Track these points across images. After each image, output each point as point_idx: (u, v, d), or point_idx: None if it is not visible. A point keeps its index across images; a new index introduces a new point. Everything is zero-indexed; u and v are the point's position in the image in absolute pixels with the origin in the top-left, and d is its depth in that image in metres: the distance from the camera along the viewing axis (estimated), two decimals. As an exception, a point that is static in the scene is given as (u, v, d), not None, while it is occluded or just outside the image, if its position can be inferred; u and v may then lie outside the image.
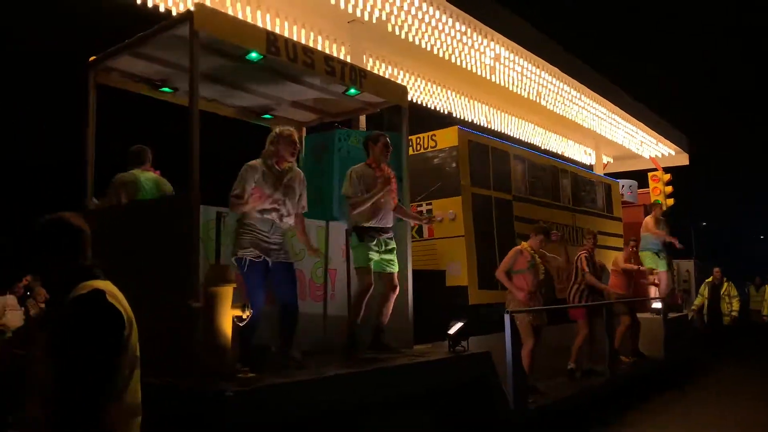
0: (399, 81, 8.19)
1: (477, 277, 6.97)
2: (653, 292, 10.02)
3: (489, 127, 10.78)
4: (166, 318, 3.77)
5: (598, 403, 7.04)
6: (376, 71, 7.87)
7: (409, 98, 8.75)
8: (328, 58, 5.16)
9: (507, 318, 5.69)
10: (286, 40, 4.79)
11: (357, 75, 5.40)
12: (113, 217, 4.68)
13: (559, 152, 13.14)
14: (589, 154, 13.50)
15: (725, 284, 12.73)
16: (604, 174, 12.83)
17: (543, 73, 8.53)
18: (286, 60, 4.73)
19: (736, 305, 12.60)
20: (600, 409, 6.98)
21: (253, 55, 4.60)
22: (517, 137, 11.54)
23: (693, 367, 9.74)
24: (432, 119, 9.15)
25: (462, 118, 10.03)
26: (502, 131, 11.08)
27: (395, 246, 5.20)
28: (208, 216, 4.43)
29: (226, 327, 3.69)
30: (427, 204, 7.34)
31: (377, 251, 4.99)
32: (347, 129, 6.03)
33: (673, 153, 14.27)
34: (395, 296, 5.16)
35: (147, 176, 5.21)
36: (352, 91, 5.54)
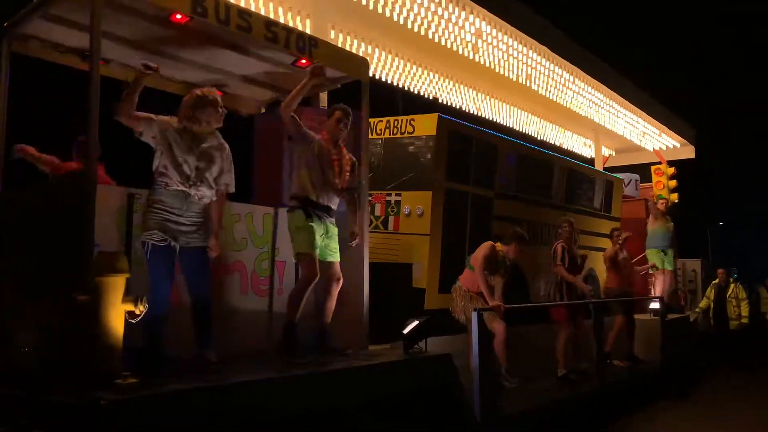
0: (376, 60, 7.60)
1: (438, 280, 6.39)
2: (656, 291, 9.37)
3: (479, 114, 10.18)
4: (54, 315, 3.28)
5: (584, 410, 6.43)
6: (350, 49, 7.27)
7: (390, 80, 8.25)
8: (270, 23, 4.62)
9: (474, 316, 5.09)
10: (217, 0, 4.23)
11: (306, 43, 4.85)
12: (15, 201, 4.15)
13: (557, 144, 12.50)
14: (589, 146, 12.82)
15: (732, 286, 11.97)
16: (605, 168, 12.20)
17: (531, 52, 7.89)
18: (216, 23, 4.19)
19: (744, 309, 11.68)
20: (586, 417, 6.37)
21: (178, 16, 4.07)
22: (511, 126, 10.93)
23: (692, 374, 9.08)
24: (418, 106, 8.57)
25: (448, 104, 9.44)
26: (493, 119, 10.47)
27: (337, 231, 4.64)
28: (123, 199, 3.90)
29: (115, 324, 3.14)
30: (396, 195, 6.76)
31: (321, 235, 4.42)
32: (301, 106, 5.45)
33: (678, 145, 13.58)
34: (338, 289, 4.60)
35: None
36: (303, 62, 4.99)
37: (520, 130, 11.22)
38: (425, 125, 6.71)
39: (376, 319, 5.13)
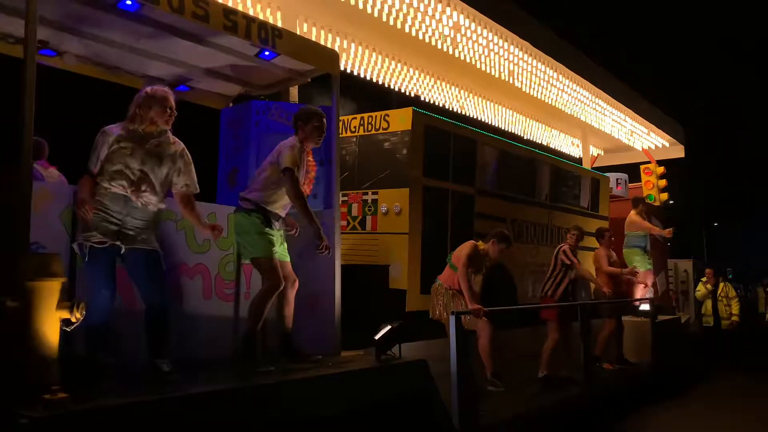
0: (352, 55, 7.35)
1: (419, 281, 6.12)
2: (640, 293, 9.12)
3: (464, 113, 9.94)
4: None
5: (571, 416, 6.17)
6: (326, 44, 7.02)
7: (369, 77, 8.00)
8: (229, 11, 4.36)
9: (452, 319, 4.83)
10: (170, -14, 3.98)
11: (269, 34, 4.60)
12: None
13: (545, 143, 12.28)
14: (577, 146, 12.60)
15: (721, 285, 11.83)
16: (594, 168, 11.99)
17: (512, 47, 7.65)
18: (170, 11, 3.93)
19: (735, 308, 11.58)
20: (573, 422, 6.12)
21: (128, 2, 3.82)
22: (496, 125, 10.69)
23: (684, 376, 8.85)
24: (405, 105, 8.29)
25: (431, 101, 9.19)
26: (478, 118, 10.23)
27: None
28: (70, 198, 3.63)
29: (48, 332, 2.86)
30: (373, 193, 6.49)
31: (279, 241, 4.20)
32: (267, 101, 5.21)
33: (667, 144, 13.37)
34: (295, 291, 4.37)
35: (49, 173, 4.54)
36: (267, 54, 4.75)
37: (506, 129, 10.98)
38: (400, 120, 6.46)
39: (351, 323, 4.89)
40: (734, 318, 11.50)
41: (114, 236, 3.29)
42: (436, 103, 9.34)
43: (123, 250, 3.32)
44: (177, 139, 3.64)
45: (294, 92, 5.82)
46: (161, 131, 3.54)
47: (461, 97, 9.37)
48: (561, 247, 6.46)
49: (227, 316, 4.65)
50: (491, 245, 5.48)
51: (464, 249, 5.44)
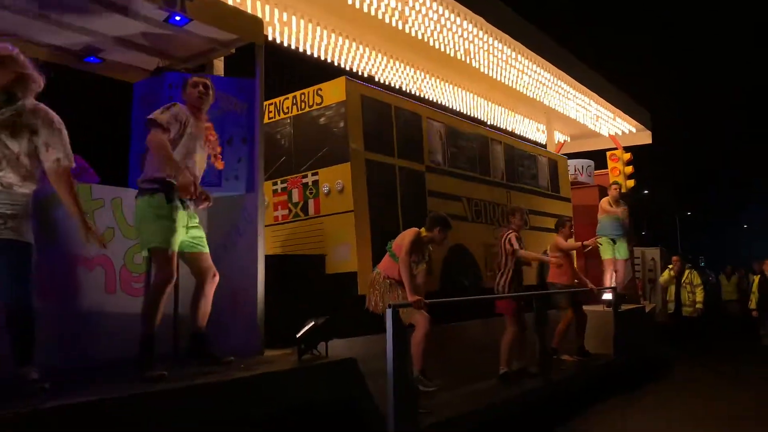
0: (295, 29, 6.84)
1: (371, 261, 5.62)
2: (607, 281, 8.82)
3: (422, 95, 9.49)
4: None
5: (527, 411, 5.80)
6: (263, 16, 6.50)
7: (317, 54, 7.49)
8: (128, -32, 3.85)
9: (389, 313, 4.38)
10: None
11: (178, -6, 4.09)
12: None
13: (509, 129, 11.89)
14: (542, 132, 12.23)
15: (686, 272, 11.73)
16: (561, 154, 11.64)
17: (465, 23, 7.19)
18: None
19: (699, 295, 11.50)
20: (527, 419, 5.75)
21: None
22: (457, 109, 10.26)
23: (646, 367, 8.58)
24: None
25: (387, 82, 8.72)
26: (438, 100, 9.78)
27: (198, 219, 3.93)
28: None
29: None
30: (313, 174, 6.00)
31: (183, 227, 3.69)
32: (183, 73, 4.70)
33: (634, 130, 13.07)
34: (215, 285, 3.91)
35: None
36: (178, 19, 4.27)
37: (468, 113, 10.54)
38: (334, 92, 5.95)
39: (281, 319, 4.44)
40: (698, 305, 11.41)
41: None
42: (393, 85, 8.87)
43: None
44: (41, 105, 3.09)
45: (219, 65, 5.30)
46: (18, 98, 3.00)
47: (418, 78, 8.91)
48: (507, 234, 6.06)
49: (134, 313, 4.10)
50: (432, 231, 5.05)
51: (407, 237, 5.00)
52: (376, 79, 8.59)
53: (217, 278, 3.88)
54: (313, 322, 3.94)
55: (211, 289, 3.84)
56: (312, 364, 3.81)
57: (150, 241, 3.57)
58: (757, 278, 11.42)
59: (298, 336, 3.87)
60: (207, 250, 3.86)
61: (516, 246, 5.94)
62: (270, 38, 6.93)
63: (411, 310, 4.81)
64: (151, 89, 4.64)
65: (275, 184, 6.30)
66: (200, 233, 3.83)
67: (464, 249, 7.20)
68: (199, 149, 3.77)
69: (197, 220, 3.85)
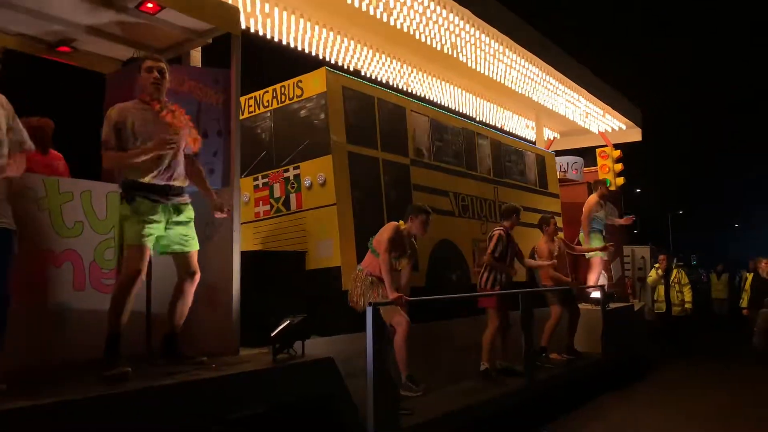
0: (278, 21, 6.70)
1: (356, 255, 5.49)
2: (592, 279, 8.74)
3: (410, 91, 9.38)
4: None
5: (510, 412, 5.70)
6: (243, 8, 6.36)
7: (301, 48, 7.36)
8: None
9: (369, 311, 4.26)
10: None
11: (149, -20, 3.95)
12: None
13: (499, 125, 11.80)
14: (532, 128, 12.14)
15: (674, 271, 11.69)
16: (551, 151, 11.55)
17: (452, 15, 7.07)
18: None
19: (688, 295, 11.44)
20: (511, 419, 5.66)
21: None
22: (446, 104, 10.15)
23: (634, 366, 8.52)
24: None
25: (374, 77, 8.61)
26: (426, 96, 9.68)
27: (193, 215, 3.79)
28: None
29: None
30: (294, 168, 5.86)
31: (160, 222, 3.55)
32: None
33: (623, 127, 13.00)
34: (195, 286, 3.76)
35: None
36: (150, 5, 4.14)
37: (457, 109, 10.44)
38: (314, 84, 5.81)
39: (261, 317, 4.30)
40: (687, 305, 11.36)
41: None
42: (380, 79, 8.76)
43: None
44: None
45: (197, 56, 5.16)
46: None
47: (405, 73, 8.79)
48: (494, 231, 5.97)
49: (105, 310, 3.96)
50: (411, 222, 4.91)
51: (385, 232, 4.85)
52: (363, 74, 8.47)
53: (198, 277, 3.75)
54: (288, 321, 3.81)
55: (191, 288, 3.72)
56: (286, 364, 3.68)
57: (120, 239, 3.51)
58: (750, 276, 11.34)
59: (272, 335, 3.73)
60: (191, 248, 3.73)
61: (491, 249, 5.85)
62: (253, 30, 6.80)
63: (390, 309, 4.68)
64: (124, 80, 4.49)
65: (256, 179, 6.16)
66: (187, 230, 3.70)
67: (451, 244, 7.09)
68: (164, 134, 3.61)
69: (187, 216, 3.71)
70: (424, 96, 9.64)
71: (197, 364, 3.62)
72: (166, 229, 3.59)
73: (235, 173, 4.36)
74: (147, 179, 3.52)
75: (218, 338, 4.18)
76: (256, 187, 6.16)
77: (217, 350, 4.07)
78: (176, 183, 3.64)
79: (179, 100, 4.11)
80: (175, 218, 3.64)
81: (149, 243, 3.49)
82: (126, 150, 3.48)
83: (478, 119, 10.96)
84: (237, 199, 4.34)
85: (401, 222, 4.91)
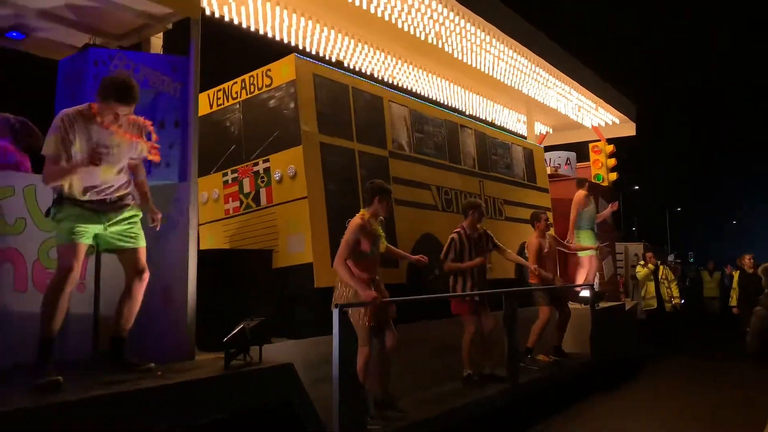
0: (251, 10, 6.42)
1: (329, 251, 5.19)
2: (580, 278, 8.50)
3: (396, 83, 9.11)
4: None
5: (491, 416, 5.46)
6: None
7: (279, 37, 7.09)
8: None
9: (336, 314, 3.99)
10: None
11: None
12: None
13: (489, 119, 11.52)
14: (523, 123, 11.85)
15: (661, 268, 11.64)
16: (543, 146, 11.29)
17: (434, 3, 6.77)
18: None
19: (675, 290, 11.59)
20: (492, 424, 5.42)
21: None
22: (433, 98, 9.88)
23: (624, 366, 8.30)
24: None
25: (357, 68, 8.34)
26: (412, 89, 9.40)
27: (139, 212, 3.53)
28: None
29: None
30: (264, 162, 5.58)
31: (100, 222, 3.30)
32: (110, 49, 4.28)
33: (617, 121, 12.71)
34: (144, 286, 3.49)
35: None
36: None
37: (445, 102, 10.17)
38: (283, 72, 5.51)
39: (221, 320, 4.05)
40: (675, 300, 11.40)
41: None
42: (364, 71, 8.48)
43: None
44: None
45: (158, 43, 4.89)
46: None
47: (389, 65, 8.51)
48: (455, 232, 5.71)
49: (49, 312, 3.73)
50: (370, 205, 4.53)
51: (349, 230, 4.37)
52: (346, 65, 8.19)
53: (147, 277, 3.48)
54: (242, 325, 3.55)
55: (138, 289, 3.45)
56: (239, 371, 3.42)
57: (57, 236, 3.29)
58: (737, 274, 11.15)
59: (224, 340, 3.47)
60: (138, 245, 3.48)
61: (442, 255, 5.58)
62: (227, 19, 6.53)
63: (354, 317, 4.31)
64: (75, 67, 4.22)
65: (225, 174, 5.89)
66: (131, 228, 3.45)
67: (434, 239, 6.83)
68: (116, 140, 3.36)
69: (130, 213, 3.47)
70: (411, 89, 9.37)
71: (143, 371, 3.36)
72: (106, 228, 3.34)
73: (193, 167, 4.10)
74: (80, 196, 3.28)
75: (172, 342, 3.94)
76: (225, 183, 5.89)
77: (170, 355, 3.83)
78: (114, 196, 3.38)
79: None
80: (116, 217, 3.39)
81: (83, 240, 3.23)
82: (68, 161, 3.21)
83: (467, 113, 10.68)
84: (194, 195, 4.08)
85: (363, 211, 4.53)
